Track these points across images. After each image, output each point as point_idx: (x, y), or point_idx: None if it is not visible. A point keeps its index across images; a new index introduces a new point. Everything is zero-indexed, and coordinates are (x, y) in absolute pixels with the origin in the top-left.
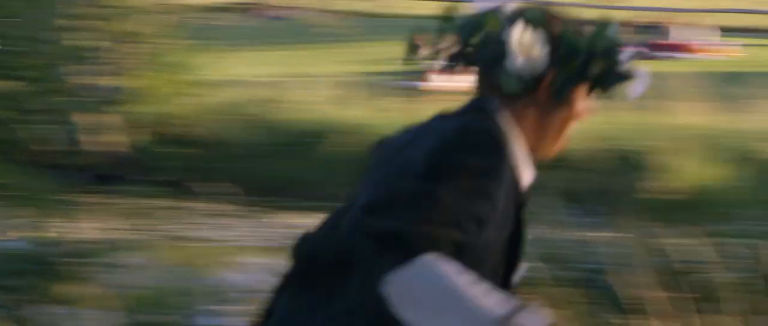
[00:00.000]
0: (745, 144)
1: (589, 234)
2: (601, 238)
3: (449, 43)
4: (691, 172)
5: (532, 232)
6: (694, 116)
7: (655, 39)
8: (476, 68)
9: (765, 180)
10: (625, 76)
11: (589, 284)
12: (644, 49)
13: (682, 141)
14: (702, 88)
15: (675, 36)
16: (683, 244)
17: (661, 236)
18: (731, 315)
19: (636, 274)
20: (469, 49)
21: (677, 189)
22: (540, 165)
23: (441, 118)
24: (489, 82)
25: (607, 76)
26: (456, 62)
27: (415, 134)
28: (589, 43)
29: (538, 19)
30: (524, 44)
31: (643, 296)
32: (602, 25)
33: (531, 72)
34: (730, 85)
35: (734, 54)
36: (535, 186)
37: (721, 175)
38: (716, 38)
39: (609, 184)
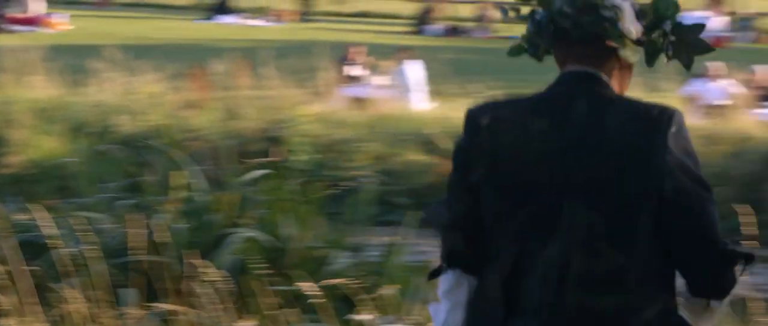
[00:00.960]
0: (81, 116)
1: None
2: None
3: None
4: (32, 146)
5: None
6: (29, 89)
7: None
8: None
9: (99, 153)
10: None
11: None
12: None
13: (19, 114)
14: (37, 61)
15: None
16: (25, 218)
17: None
18: (73, 288)
19: None
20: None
21: (17, 163)
22: None
23: (594, 100)
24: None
25: None
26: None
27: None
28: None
29: None
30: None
31: None
32: None
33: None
34: (64, 57)
35: (64, 26)
36: None
37: (59, 149)
38: (44, 10)
39: None
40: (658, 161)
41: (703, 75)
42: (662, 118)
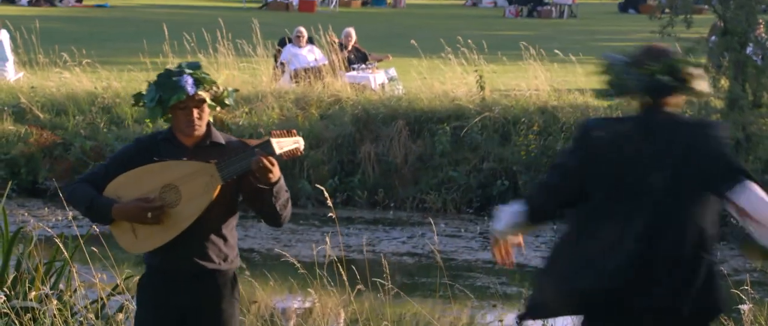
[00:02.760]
0: None
1: None
2: None
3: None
4: None
5: None
6: None
7: None
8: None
9: None
10: None
11: None
12: None
13: None
14: None
15: None
16: None
17: None
18: None
19: None
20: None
21: None
22: None
23: (669, 126)
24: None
25: None
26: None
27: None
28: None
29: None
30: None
31: None
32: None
33: None
34: None
35: None
36: None
37: None
38: None
39: None
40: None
41: (292, 40)
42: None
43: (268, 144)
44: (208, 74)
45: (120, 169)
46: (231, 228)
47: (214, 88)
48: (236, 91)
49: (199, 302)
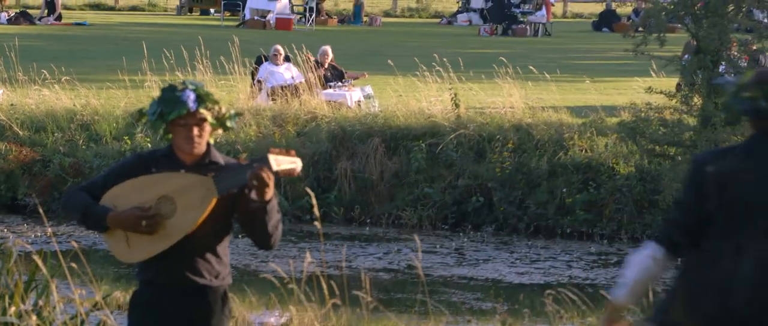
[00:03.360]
0: None
1: None
2: None
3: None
4: None
5: None
6: None
7: None
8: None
9: None
10: None
11: None
12: None
13: None
14: None
15: None
16: None
17: None
18: None
19: None
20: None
21: None
22: None
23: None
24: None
25: None
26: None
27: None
28: None
29: None
30: None
31: None
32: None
33: None
34: None
35: None
36: None
37: None
38: None
39: None
40: None
41: (269, 58)
42: None
43: (266, 159)
44: (211, 93)
45: (118, 181)
46: (224, 245)
47: (217, 108)
48: (239, 115)
49: (190, 317)
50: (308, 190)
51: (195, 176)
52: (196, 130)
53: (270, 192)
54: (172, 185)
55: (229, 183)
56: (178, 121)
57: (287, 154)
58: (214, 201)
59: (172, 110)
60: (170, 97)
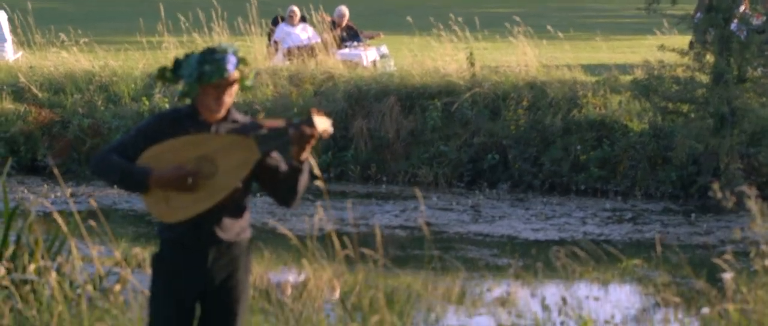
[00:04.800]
0: None
1: None
2: None
3: None
4: None
5: None
6: None
7: None
8: None
9: None
10: None
11: None
12: None
13: None
14: None
15: None
16: None
17: None
18: None
19: None
20: None
21: None
22: None
23: None
24: None
25: None
26: None
27: None
28: None
29: None
30: None
31: None
32: None
33: None
34: None
35: None
36: None
37: None
38: None
39: None
40: None
41: (285, 19)
42: None
43: (311, 119)
44: (245, 56)
45: (147, 142)
46: (247, 201)
47: (246, 70)
48: (257, 74)
49: (218, 273)
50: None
51: (234, 137)
52: (228, 92)
53: (308, 151)
54: (211, 145)
55: (271, 144)
56: (213, 83)
57: (322, 115)
58: (255, 162)
59: (213, 74)
60: (213, 60)
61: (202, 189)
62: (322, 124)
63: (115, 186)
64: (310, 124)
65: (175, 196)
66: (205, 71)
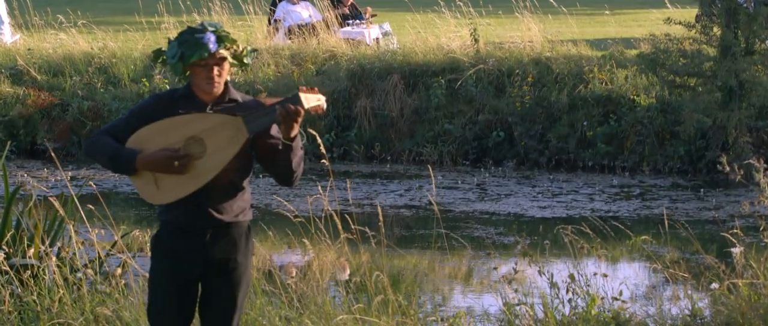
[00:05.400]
0: None
1: None
2: None
3: None
4: None
5: None
6: None
7: None
8: None
9: None
10: None
11: None
12: None
13: None
14: None
15: None
16: None
17: None
18: None
19: None
20: None
21: None
22: None
23: None
24: None
25: None
26: None
27: None
28: None
29: None
30: None
31: None
32: None
33: None
34: None
35: None
36: None
37: None
38: None
39: None
40: None
41: None
42: None
43: (297, 97)
44: (229, 33)
45: (141, 123)
46: (247, 182)
47: (235, 47)
48: (256, 50)
49: (216, 254)
50: (312, 131)
51: (223, 116)
52: (216, 70)
53: (297, 129)
54: (200, 126)
55: (259, 123)
56: (198, 62)
57: (312, 92)
58: (244, 142)
59: (193, 53)
60: (191, 39)
61: (191, 170)
62: (311, 101)
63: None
64: (296, 102)
65: (164, 178)
66: (185, 50)
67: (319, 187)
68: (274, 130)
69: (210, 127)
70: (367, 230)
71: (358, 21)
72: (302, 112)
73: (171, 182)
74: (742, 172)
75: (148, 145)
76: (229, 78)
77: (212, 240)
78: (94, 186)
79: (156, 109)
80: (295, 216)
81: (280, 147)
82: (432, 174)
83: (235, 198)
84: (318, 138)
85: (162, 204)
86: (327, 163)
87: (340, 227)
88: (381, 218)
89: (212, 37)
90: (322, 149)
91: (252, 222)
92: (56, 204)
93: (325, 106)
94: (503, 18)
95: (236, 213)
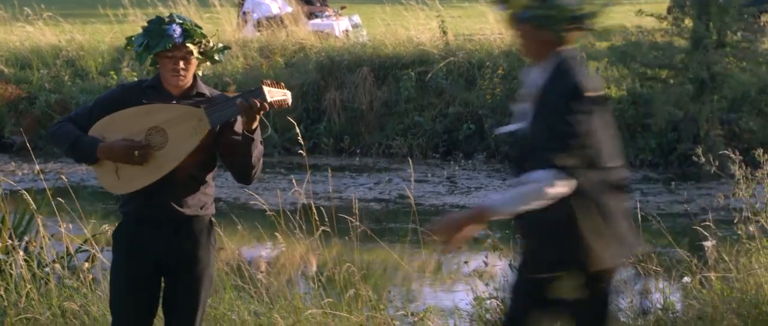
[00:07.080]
0: None
1: None
2: None
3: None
4: None
5: None
6: None
7: None
8: None
9: None
10: None
11: None
12: None
13: None
14: None
15: None
16: None
17: None
18: None
19: None
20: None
21: None
22: None
23: None
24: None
25: None
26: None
27: None
28: None
29: None
30: None
31: None
32: None
33: None
34: None
35: None
36: None
37: None
38: None
39: None
40: None
41: None
42: None
43: (260, 90)
44: (200, 27)
45: (105, 112)
46: (210, 176)
47: (204, 42)
48: (228, 48)
49: (176, 248)
50: (292, 120)
51: (186, 107)
52: (181, 64)
53: (257, 121)
54: (162, 116)
55: (221, 115)
56: (164, 53)
57: (278, 86)
58: (206, 133)
59: (157, 43)
60: (156, 29)
61: (152, 161)
62: (276, 95)
63: (69, 156)
64: (258, 95)
65: (125, 168)
66: (150, 40)
67: (294, 181)
68: (239, 126)
69: (172, 117)
70: (348, 220)
71: (326, 13)
72: (266, 105)
73: (131, 172)
74: (717, 164)
75: (111, 133)
76: (200, 74)
77: (172, 233)
78: (65, 179)
79: (123, 98)
80: (268, 211)
81: (241, 139)
82: (411, 169)
83: (198, 191)
84: (296, 127)
85: (123, 194)
86: (304, 154)
87: (315, 221)
88: (356, 210)
89: (178, 30)
90: (300, 139)
91: (220, 216)
92: (27, 197)
93: (290, 100)
94: (469, 9)
95: (198, 207)
